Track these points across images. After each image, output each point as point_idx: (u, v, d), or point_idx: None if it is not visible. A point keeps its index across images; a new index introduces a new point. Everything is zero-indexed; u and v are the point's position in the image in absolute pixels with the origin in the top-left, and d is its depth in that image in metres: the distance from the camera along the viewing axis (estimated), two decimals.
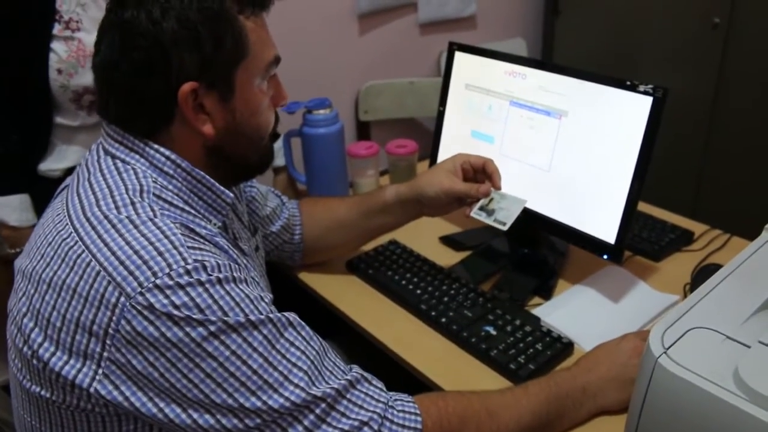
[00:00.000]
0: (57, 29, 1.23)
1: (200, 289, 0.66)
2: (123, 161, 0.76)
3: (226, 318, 0.67)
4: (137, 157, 0.76)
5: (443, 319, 1.04)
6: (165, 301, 0.65)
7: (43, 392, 0.70)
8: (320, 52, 2.08)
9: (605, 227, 1.06)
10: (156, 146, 0.76)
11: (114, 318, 0.65)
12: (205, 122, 0.77)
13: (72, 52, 1.25)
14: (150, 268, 0.66)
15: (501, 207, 1.06)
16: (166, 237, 0.68)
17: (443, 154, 1.32)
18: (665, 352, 0.60)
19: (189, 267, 0.66)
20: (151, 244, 0.67)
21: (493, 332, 1.00)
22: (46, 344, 0.68)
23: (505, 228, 1.04)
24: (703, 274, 1.12)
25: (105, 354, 0.66)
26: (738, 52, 1.96)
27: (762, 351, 0.58)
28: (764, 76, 1.90)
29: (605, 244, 1.06)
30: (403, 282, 1.13)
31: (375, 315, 1.10)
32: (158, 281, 0.65)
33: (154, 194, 0.74)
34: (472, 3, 2.32)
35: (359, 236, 1.18)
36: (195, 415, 0.67)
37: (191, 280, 0.66)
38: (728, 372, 0.57)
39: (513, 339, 0.98)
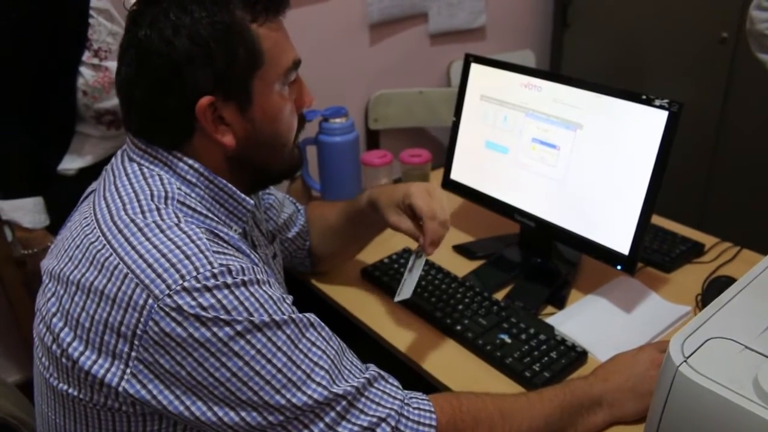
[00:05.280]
0: (86, 56, 1.27)
1: (226, 291, 0.68)
2: (147, 168, 0.78)
3: (251, 318, 0.68)
4: (161, 165, 0.78)
5: (458, 327, 1.05)
6: (193, 303, 0.66)
7: (70, 390, 0.72)
8: (331, 60, 2.10)
9: (619, 238, 1.07)
10: (179, 155, 0.78)
11: (142, 319, 0.66)
12: (225, 133, 0.78)
13: (98, 78, 1.29)
14: (178, 271, 0.67)
15: (412, 276, 0.98)
16: (192, 241, 0.70)
17: (457, 163, 1.34)
18: (685, 361, 0.61)
19: (215, 271, 0.68)
20: (178, 248, 0.69)
21: (508, 340, 1.01)
22: (75, 343, 0.70)
23: (395, 299, 0.98)
24: (714, 285, 1.13)
25: (133, 354, 0.67)
26: (745, 66, 1.98)
27: None
28: None
29: (619, 255, 1.08)
30: (418, 290, 1.14)
31: (390, 322, 1.11)
32: (186, 284, 0.66)
33: (178, 201, 0.75)
34: (482, 14, 2.35)
35: (348, 243, 1.17)
36: (220, 413, 0.68)
37: (218, 282, 0.68)
38: (748, 381, 0.58)
39: (528, 347, 0.99)
